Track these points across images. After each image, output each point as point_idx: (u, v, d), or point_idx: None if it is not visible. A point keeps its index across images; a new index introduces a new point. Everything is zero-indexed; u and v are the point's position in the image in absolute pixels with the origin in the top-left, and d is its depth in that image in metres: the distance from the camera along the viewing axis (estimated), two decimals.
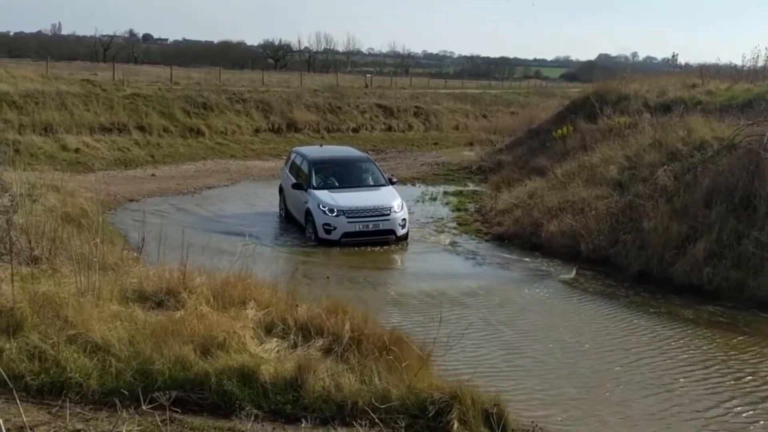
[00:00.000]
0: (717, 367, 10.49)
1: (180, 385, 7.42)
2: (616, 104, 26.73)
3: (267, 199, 22.82)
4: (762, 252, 13.58)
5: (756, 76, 26.83)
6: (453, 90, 61.46)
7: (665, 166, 17.32)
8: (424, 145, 41.63)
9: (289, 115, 38.95)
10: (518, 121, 40.10)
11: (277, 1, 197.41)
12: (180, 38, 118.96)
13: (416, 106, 47.80)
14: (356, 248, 17.31)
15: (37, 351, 7.64)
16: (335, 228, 17.51)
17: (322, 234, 17.56)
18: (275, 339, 8.58)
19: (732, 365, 10.57)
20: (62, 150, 28.04)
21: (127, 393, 7.16)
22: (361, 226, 17.62)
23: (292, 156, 21.23)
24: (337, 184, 18.94)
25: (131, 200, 22.11)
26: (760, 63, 28.74)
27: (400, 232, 17.96)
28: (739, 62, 41.98)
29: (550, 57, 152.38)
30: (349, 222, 17.54)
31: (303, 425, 7.15)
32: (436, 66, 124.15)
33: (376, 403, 7.28)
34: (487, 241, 18.57)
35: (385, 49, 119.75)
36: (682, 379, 10.00)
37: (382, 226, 17.74)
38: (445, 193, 25.33)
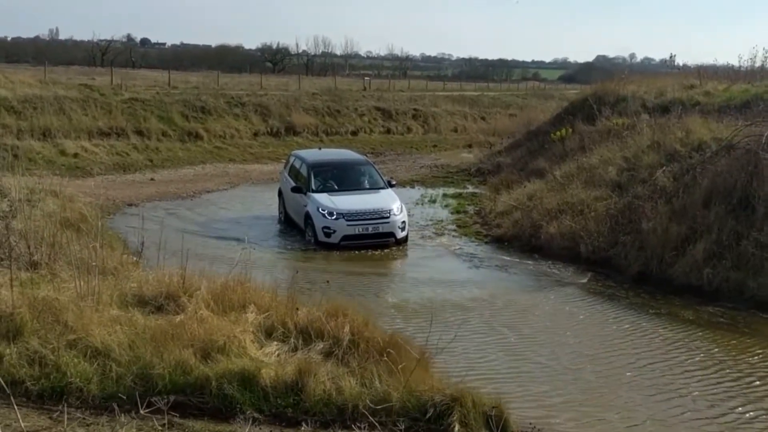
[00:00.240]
0: (724, 370, 10.40)
1: (180, 390, 7.41)
2: (614, 106, 26.78)
3: (266, 203, 22.82)
4: (761, 252, 13.58)
5: (754, 76, 26.88)
6: (451, 92, 61.43)
7: (664, 167, 17.34)
8: (423, 148, 41.64)
9: (287, 118, 38.96)
10: (517, 123, 40.09)
11: (274, 5, 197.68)
12: (178, 42, 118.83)
13: (415, 109, 47.82)
14: (356, 251, 17.30)
15: (37, 356, 7.63)
16: (335, 231, 17.50)
17: (321, 237, 17.56)
18: (275, 342, 8.57)
19: (739, 368, 10.49)
20: (61, 155, 28.08)
21: (125, 398, 7.15)
22: (360, 229, 17.62)
23: (291, 159, 21.23)
24: (336, 187, 18.94)
25: (130, 205, 22.10)
26: (758, 63, 28.81)
27: (400, 234, 17.96)
28: (736, 63, 42.05)
29: (548, 59, 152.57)
30: (348, 225, 17.54)
31: (303, 429, 7.14)
32: (434, 68, 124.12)
33: (376, 406, 7.28)
34: (486, 243, 18.58)
35: (383, 52, 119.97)
36: (688, 382, 9.93)
37: (381, 229, 17.74)
38: (445, 195, 25.35)
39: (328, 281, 14.11)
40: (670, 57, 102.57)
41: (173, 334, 8.13)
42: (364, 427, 7.01)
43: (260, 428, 7.10)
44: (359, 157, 21.76)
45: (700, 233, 14.69)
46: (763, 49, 65.08)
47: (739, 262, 13.82)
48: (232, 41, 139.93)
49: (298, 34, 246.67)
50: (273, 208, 21.72)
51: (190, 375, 7.54)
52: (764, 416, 9.00)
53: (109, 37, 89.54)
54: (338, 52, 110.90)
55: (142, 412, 5.99)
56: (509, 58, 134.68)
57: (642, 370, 10.31)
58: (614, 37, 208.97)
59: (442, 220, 21.19)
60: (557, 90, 76.14)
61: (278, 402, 7.41)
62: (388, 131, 43.97)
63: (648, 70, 70.30)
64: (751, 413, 9.04)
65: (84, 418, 6.90)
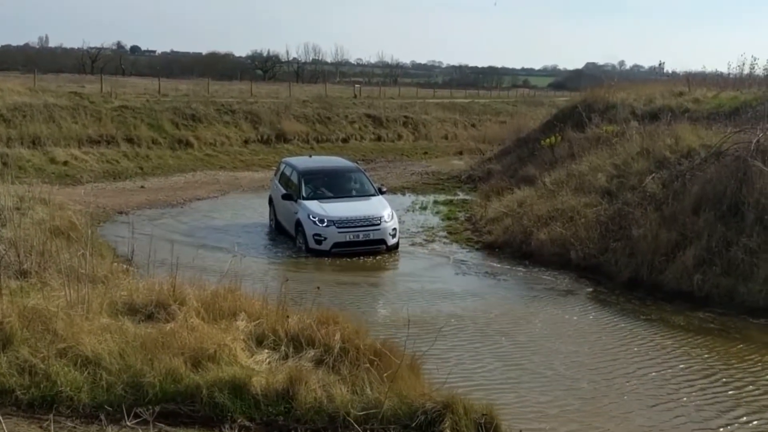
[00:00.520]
0: (723, 378, 10.33)
1: (171, 398, 7.39)
2: (603, 113, 26.86)
3: (257, 210, 22.80)
4: (751, 258, 13.63)
5: (742, 83, 27.02)
6: (442, 99, 61.63)
7: (653, 174, 17.39)
8: (414, 155, 41.73)
9: (278, 125, 38.98)
10: (507, 130, 40.22)
11: (265, 13, 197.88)
12: (168, 50, 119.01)
13: (405, 116, 47.92)
14: (347, 259, 17.28)
15: (27, 365, 7.59)
16: (326, 238, 17.50)
17: (312, 244, 17.55)
18: (266, 350, 8.55)
19: (738, 376, 10.41)
20: (50, 163, 28.01)
21: (116, 407, 7.12)
22: (351, 236, 17.62)
23: (282, 167, 21.22)
24: (327, 194, 18.95)
25: (120, 212, 22.05)
26: (746, 71, 28.97)
27: (391, 241, 17.96)
28: (725, 70, 42.27)
29: (537, 66, 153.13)
30: (339, 232, 17.54)
31: None
32: (424, 76, 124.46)
33: (367, 414, 7.27)
34: (477, 249, 18.60)
35: (373, 60, 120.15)
36: (684, 389, 9.85)
37: (372, 236, 17.74)
38: (435, 202, 25.38)
39: (318, 288, 14.07)
40: (659, 64, 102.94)
41: (164, 342, 8.11)
42: None
43: None
44: (350, 165, 21.77)
45: (689, 239, 14.73)
46: (752, 56, 65.71)
47: (729, 268, 13.86)
48: (222, 49, 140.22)
49: (288, 42, 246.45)
50: (263, 216, 21.69)
51: (180, 383, 7.52)
52: (767, 425, 8.93)
53: (99, 45, 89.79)
54: (329, 60, 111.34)
55: (128, 423, 5.96)
56: (499, 66, 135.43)
57: (640, 378, 10.22)
58: (603, 44, 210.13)
59: (433, 227, 21.21)
60: (547, 97, 76.52)
61: (269, 410, 7.39)
62: (379, 138, 44.04)
63: (637, 77, 70.72)
64: (755, 422, 8.96)
65: (74, 427, 6.88)
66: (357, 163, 25.35)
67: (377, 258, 17.55)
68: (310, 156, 25.79)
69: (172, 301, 9.44)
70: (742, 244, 13.91)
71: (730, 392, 9.85)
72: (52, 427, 6.60)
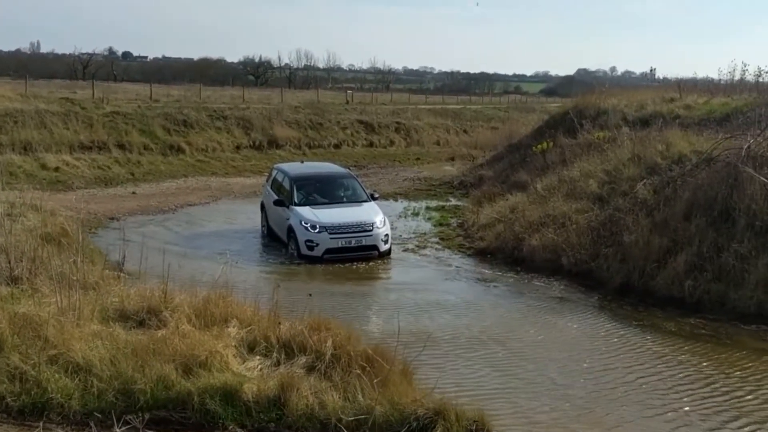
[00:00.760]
0: (715, 384, 10.23)
1: (162, 405, 7.39)
2: (595, 119, 26.93)
3: (248, 216, 22.76)
4: (742, 264, 13.65)
5: (733, 89, 27.15)
6: (434, 105, 61.68)
7: (644, 180, 17.43)
8: (406, 161, 41.80)
9: (270, 131, 38.99)
10: (499, 136, 40.29)
11: (257, 18, 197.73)
12: (160, 55, 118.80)
13: (397, 122, 47.99)
14: (340, 265, 17.26)
15: (17, 372, 7.58)
16: (318, 244, 17.49)
17: (304, 250, 17.54)
18: (258, 357, 8.55)
19: (729, 382, 10.32)
20: (42, 169, 27.95)
21: (106, 414, 7.11)
22: (343, 242, 17.62)
23: (274, 173, 21.22)
24: (319, 200, 18.95)
25: (112, 218, 22.00)
26: (737, 77, 29.10)
27: (383, 247, 17.96)
28: (716, 76, 42.45)
29: (529, 72, 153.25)
30: (331, 238, 17.53)
31: None
32: (416, 82, 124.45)
33: (359, 420, 7.27)
34: (469, 255, 18.60)
35: (365, 66, 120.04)
36: (680, 397, 9.74)
37: (364, 241, 17.75)
38: (428, 208, 25.42)
39: (310, 294, 14.08)
40: (651, 70, 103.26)
41: (155, 349, 8.10)
42: None
43: None
44: (342, 170, 21.78)
45: (681, 245, 14.75)
46: (742, 62, 66.07)
47: (720, 274, 13.87)
48: (214, 54, 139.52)
49: (280, 48, 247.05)
50: (255, 222, 21.67)
51: (171, 390, 7.51)
52: (760, 431, 8.87)
53: (90, 51, 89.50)
54: (321, 66, 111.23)
55: (118, 430, 5.96)
56: (491, 72, 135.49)
57: (633, 385, 10.11)
58: (595, 50, 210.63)
59: (425, 233, 21.22)
60: (539, 103, 76.68)
61: (261, 417, 7.39)
62: (371, 144, 44.11)
63: (628, 83, 71.02)
64: (747, 428, 8.90)
65: None
66: (349, 169, 25.34)
67: (369, 264, 17.54)
68: (302, 162, 25.95)
69: (163, 307, 9.44)
70: (733, 250, 13.93)
71: (726, 401, 9.73)
72: None
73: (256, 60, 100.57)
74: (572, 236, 16.73)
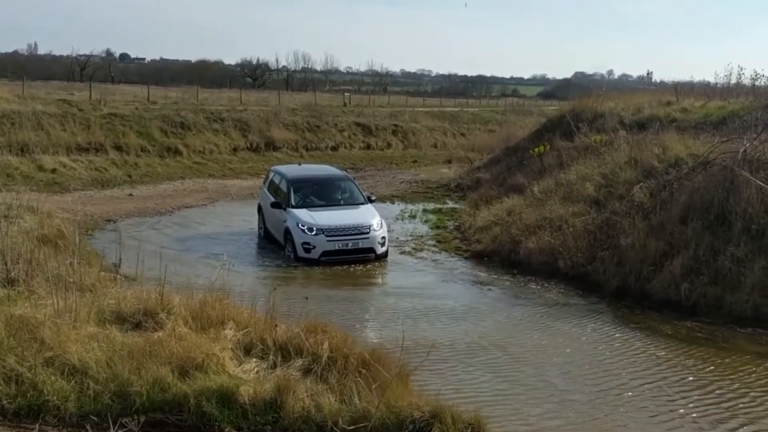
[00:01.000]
0: (719, 389, 10.09)
1: (158, 407, 7.38)
2: (592, 122, 26.98)
3: (245, 219, 22.77)
4: (738, 268, 13.66)
5: (729, 93, 27.20)
6: (431, 108, 61.75)
7: (641, 184, 17.45)
8: (403, 163, 41.85)
9: (267, 133, 38.99)
10: (496, 139, 40.37)
11: (254, 20, 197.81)
12: (157, 57, 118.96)
13: (395, 125, 48.04)
14: (338, 267, 17.26)
15: (13, 374, 7.56)
16: (314, 247, 17.49)
17: (301, 253, 17.54)
18: (254, 359, 8.54)
19: (733, 387, 10.20)
20: (39, 170, 27.90)
21: (102, 416, 7.11)
22: (340, 245, 17.62)
23: (271, 175, 21.22)
24: (316, 202, 18.96)
25: (108, 220, 21.99)
26: (734, 80, 29.17)
27: (380, 250, 17.97)
28: (712, 80, 42.50)
29: (527, 75, 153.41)
30: (328, 241, 17.54)
31: None
32: (414, 84, 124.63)
33: (355, 423, 7.26)
34: (466, 258, 18.61)
35: (363, 68, 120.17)
36: (687, 404, 9.58)
37: (361, 244, 17.75)
38: (425, 210, 25.42)
39: (307, 297, 14.05)
40: (648, 74, 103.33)
41: (151, 351, 8.09)
42: None
43: None
44: (339, 173, 21.78)
45: (677, 249, 14.76)
46: (738, 66, 66.21)
47: (716, 277, 13.88)
48: (212, 56, 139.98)
49: (278, 50, 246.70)
50: (252, 224, 21.67)
51: (168, 392, 7.50)
52: None
53: (88, 52, 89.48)
54: (318, 68, 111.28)
55: None
56: (488, 75, 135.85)
57: (636, 390, 9.97)
58: (592, 53, 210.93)
59: (422, 236, 21.22)
60: (536, 106, 76.78)
61: (257, 419, 7.38)
62: (368, 147, 44.14)
63: (625, 86, 71.02)
64: None
65: None
66: (346, 171, 25.36)
67: (366, 267, 17.54)
68: (300, 164, 25.93)
69: (160, 309, 9.43)
70: (729, 254, 13.95)
71: (728, 404, 9.66)
72: None
73: (254, 62, 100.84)
74: (569, 239, 16.74)
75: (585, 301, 14.76)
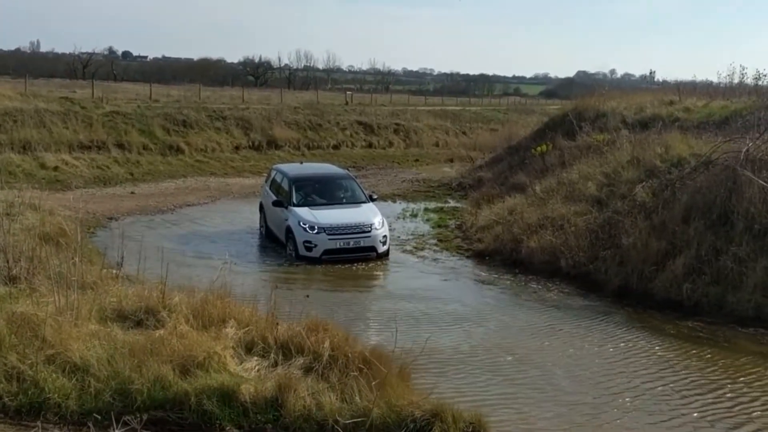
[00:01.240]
0: (722, 389, 10.07)
1: (159, 405, 7.38)
2: (594, 121, 26.93)
3: (247, 217, 22.76)
4: (740, 267, 13.65)
5: (732, 93, 27.12)
6: (433, 107, 61.73)
7: (643, 183, 17.42)
8: (405, 162, 41.81)
9: (269, 132, 38.96)
10: (498, 138, 40.34)
11: (257, 19, 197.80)
12: (159, 55, 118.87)
13: (396, 123, 47.99)
14: (339, 266, 17.24)
15: (14, 371, 7.57)
16: (316, 245, 17.49)
17: (302, 251, 17.53)
18: (255, 358, 8.54)
19: (735, 387, 10.15)
20: (41, 168, 27.90)
21: (103, 414, 7.11)
22: (341, 243, 17.61)
23: (273, 173, 21.22)
24: (317, 201, 18.95)
25: (110, 218, 21.99)
26: (736, 80, 29.09)
27: (381, 249, 17.96)
28: (715, 79, 42.46)
29: (529, 74, 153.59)
30: (329, 239, 17.53)
31: None
32: (416, 83, 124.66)
33: (356, 422, 7.27)
34: (468, 257, 18.59)
35: (365, 67, 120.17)
36: (690, 405, 9.55)
37: (363, 243, 17.74)
38: (426, 209, 25.39)
39: (307, 296, 14.06)
40: (650, 73, 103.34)
41: (152, 349, 8.10)
42: None
43: None
44: (341, 171, 21.77)
45: (679, 248, 14.75)
46: (741, 65, 66.10)
47: (718, 277, 13.87)
48: (214, 55, 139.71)
49: (280, 48, 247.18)
50: (254, 222, 21.66)
51: (169, 391, 7.51)
52: None
53: (90, 50, 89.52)
54: (320, 66, 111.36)
55: (116, 431, 5.95)
56: (490, 74, 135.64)
57: (639, 390, 9.92)
58: (595, 52, 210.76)
59: (423, 235, 21.21)
60: (538, 105, 76.84)
61: (258, 418, 7.39)
62: (370, 145, 44.11)
63: (628, 85, 71.02)
64: None
65: None
66: (348, 170, 25.33)
67: (368, 265, 17.52)
68: (301, 163, 25.99)
69: (161, 307, 9.44)
70: (731, 253, 13.93)
71: (730, 404, 9.60)
72: None
73: (256, 60, 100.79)
74: (571, 239, 16.73)
75: (587, 301, 14.74)
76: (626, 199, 17.18)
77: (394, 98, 67.21)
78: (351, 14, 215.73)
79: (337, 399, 7.63)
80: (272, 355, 8.60)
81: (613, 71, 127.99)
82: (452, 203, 27.09)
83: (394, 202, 27.12)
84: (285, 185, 19.45)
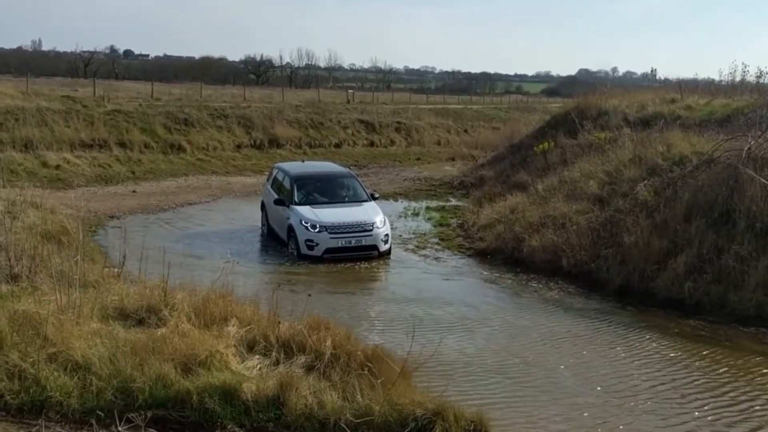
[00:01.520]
0: (734, 391, 9.96)
1: (161, 404, 7.39)
2: (596, 119, 26.93)
3: (249, 216, 22.75)
4: (742, 266, 13.64)
5: (734, 91, 27.10)
6: (435, 105, 61.71)
7: (645, 181, 17.42)
8: (406, 161, 41.81)
9: (270, 130, 38.96)
10: (499, 136, 40.35)
11: (258, 17, 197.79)
12: (161, 54, 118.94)
13: (398, 122, 48.00)
14: (341, 264, 17.23)
15: (16, 370, 7.58)
16: (317, 244, 17.49)
17: (304, 250, 17.53)
18: (257, 356, 8.55)
19: (746, 389, 10.05)
20: (42, 167, 27.92)
21: (105, 412, 7.11)
22: (343, 242, 17.61)
23: (274, 172, 21.22)
24: (319, 199, 18.95)
25: (112, 217, 22.01)
26: (738, 78, 29.04)
27: (383, 247, 17.96)
28: (717, 77, 42.42)
29: (530, 72, 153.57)
30: (331, 238, 17.53)
31: None
32: (417, 81, 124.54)
33: (358, 420, 7.27)
34: (469, 256, 18.57)
35: (366, 65, 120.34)
36: (702, 407, 9.44)
37: (364, 241, 17.74)
38: (428, 208, 25.40)
39: (310, 294, 14.05)
40: (652, 71, 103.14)
41: (154, 347, 8.10)
42: None
43: None
44: (342, 170, 21.76)
45: (681, 247, 14.74)
46: (743, 63, 66.10)
47: (719, 275, 13.86)
48: (215, 53, 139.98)
49: (281, 47, 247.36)
50: (255, 221, 21.66)
51: (170, 389, 7.51)
52: None
53: (92, 49, 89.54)
54: (322, 65, 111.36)
55: (120, 428, 5.96)
56: (492, 72, 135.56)
57: (649, 392, 9.83)
58: (596, 50, 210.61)
59: (425, 233, 21.20)
60: (540, 103, 76.76)
61: (259, 416, 7.39)
62: (372, 144, 44.11)
63: (630, 84, 70.90)
64: None
65: None
66: (349, 168, 25.31)
67: (370, 264, 17.51)
68: (303, 161, 25.94)
69: (163, 306, 9.45)
70: (733, 252, 13.92)
71: (744, 406, 9.51)
72: None
73: (258, 59, 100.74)
74: (572, 237, 16.72)
75: (589, 299, 14.72)
76: (628, 198, 17.17)
77: (395, 96, 67.15)
78: (352, 12, 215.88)
79: (338, 397, 7.63)
80: (274, 353, 8.61)
81: (614, 69, 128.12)
82: (454, 202, 27.09)
83: (396, 200, 27.12)
84: (287, 184, 19.45)
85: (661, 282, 14.42)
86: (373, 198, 19.58)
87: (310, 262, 17.28)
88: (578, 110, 29.25)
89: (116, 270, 12.37)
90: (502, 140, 36.87)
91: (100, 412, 7.16)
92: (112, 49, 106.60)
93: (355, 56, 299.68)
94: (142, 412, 7.07)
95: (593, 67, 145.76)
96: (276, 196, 19.40)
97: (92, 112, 33.49)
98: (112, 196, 25.69)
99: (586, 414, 9.14)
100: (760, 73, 27.75)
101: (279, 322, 9.23)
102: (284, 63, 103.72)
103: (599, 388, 9.99)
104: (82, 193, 23.71)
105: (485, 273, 16.94)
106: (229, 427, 7.21)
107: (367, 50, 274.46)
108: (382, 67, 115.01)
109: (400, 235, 20.47)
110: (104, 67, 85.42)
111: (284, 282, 15.03)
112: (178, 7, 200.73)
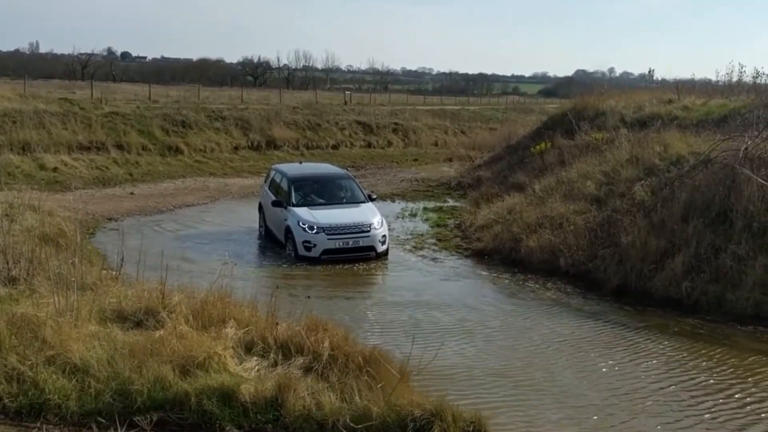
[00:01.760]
0: (742, 392, 9.89)
1: (159, 406, 7.38)
2: (593, 120, 26.95)
3: (246, 217, 22.76)
4: (739, 265, 13.66)
5: (731, 91, 27.15)
6: (432, 106, 61.72)
7: (642, 181, 17.45)
8: (404, 162, 41.82)
9: (268, 132, 38.97)
10: (497, 137, 40.35)
11: (256, 19, 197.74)
12: (158, 56, 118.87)
13: (395, 123, 48.00)
14: (339, 266, 17.23)
15: (15, 373, 7.57)
16: (315, 245, 17.49)
17: (302, 251, 17.54)
18: (255, 358, 8.55)
19: (752, 390, 9.97)
20: (40, 169, 27.91)
21: (105, 415, 7.12)
22: (341, 243, 17.62)
23: (272, 173, 21.23)
24: (316, 201, 18.96)
25: (110, 219, 22.00)
26: (735, 78, 29.11)
27: (380, 248, 17.96)
28: (714, 78, 42.48)
29: (528, 73, 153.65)
30: (329, 239, 17.54)
31: None
32: (415, 82, 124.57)
33: (356, 422, 7.27)
34: (467, 257, 18.58)
35: (364, 66, 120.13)
36: (706, 407, 9.41)
37: (362, 242, 17.75)
38: (425, 209, 25.39)
39: (308, 296, 14.04)
40: (649, 72, 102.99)
41: (152, 349, 8.10)
42: None
43: None
44: (340, 171, 21.78)
45: (678, 247, 14.76)
46: (740, 64, 66.18)
47: (717, 275, 13.88)
48: (213, 55, 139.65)
49: (279, 48, 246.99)
50: (253, 223, 21.66)
51: (169, 391, 7.51)
52: None
53: (89, 51, 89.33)
54: (319, 66, 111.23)
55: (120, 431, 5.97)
56: (489, 73, 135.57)
57: (655, 393, 9.78)
58: (593, 51, 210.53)
59: (422, 234, 21.21)
60: (537, 104, 76.84)
61: (258, 418, 7.39)
62: (369, 145, 44.12)
63: (627, 84, 70.82)
64: None
65: None
66: (347, 169, 25.32)
67: (368, 265, 17.51)
68: (300, 163, 25.98)
69: (161, 308, 9.44)
70: (730, 251, 13.95)
71: (754, 407, 9.45)
72: None
73: (255, 61, 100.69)
74: (570, 237, 16.73)
75: (586, 299, 14.72)
76: (625, 198, 17.20)
77: (392, 98, 67.16)
78: (353, 11, 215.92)
79: (336, 398, 7.64)
80: (272, 355, 8.61)
81: (612, 70, 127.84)
82: (451, 202, 27.09)
83: (393, 201, 27.12)
84: (284, 185, 19.46)
85: (658, 282, 14.44)
86: (370, 199, 19.59)
87: (307, 263, 17.29)
88: (575, 111, 29.30)
89: (114, 272, 12.39)
90: (499, 141, 36.89)
91: (101, 412, 7.15)
92: (110, 51, 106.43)
93: (352, 58, 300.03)
94: (148, 416, 7.08)
95: (590, 68, 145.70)
96: (273, 198, 19.41)
97: (90, 115, 33.48)
98: (109, 198, 25.68)
99: (587, 416, 9.10)
100: (757, 73, 27.88)
101: (277, 324, 9.24)
102: (282, 65, 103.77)
103: (601, 389, 9.98)
104: (79, 195, 23.72)
105: (483, 273, 16.96)
106: (228, 428, 7.21)
107: (364, 51, 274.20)
108: (380, 68, 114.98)
109: (398, 236, 20.48)
110: (102, 69, 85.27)
111: (282, 283, 15.03)
112: (175, 9, 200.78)
